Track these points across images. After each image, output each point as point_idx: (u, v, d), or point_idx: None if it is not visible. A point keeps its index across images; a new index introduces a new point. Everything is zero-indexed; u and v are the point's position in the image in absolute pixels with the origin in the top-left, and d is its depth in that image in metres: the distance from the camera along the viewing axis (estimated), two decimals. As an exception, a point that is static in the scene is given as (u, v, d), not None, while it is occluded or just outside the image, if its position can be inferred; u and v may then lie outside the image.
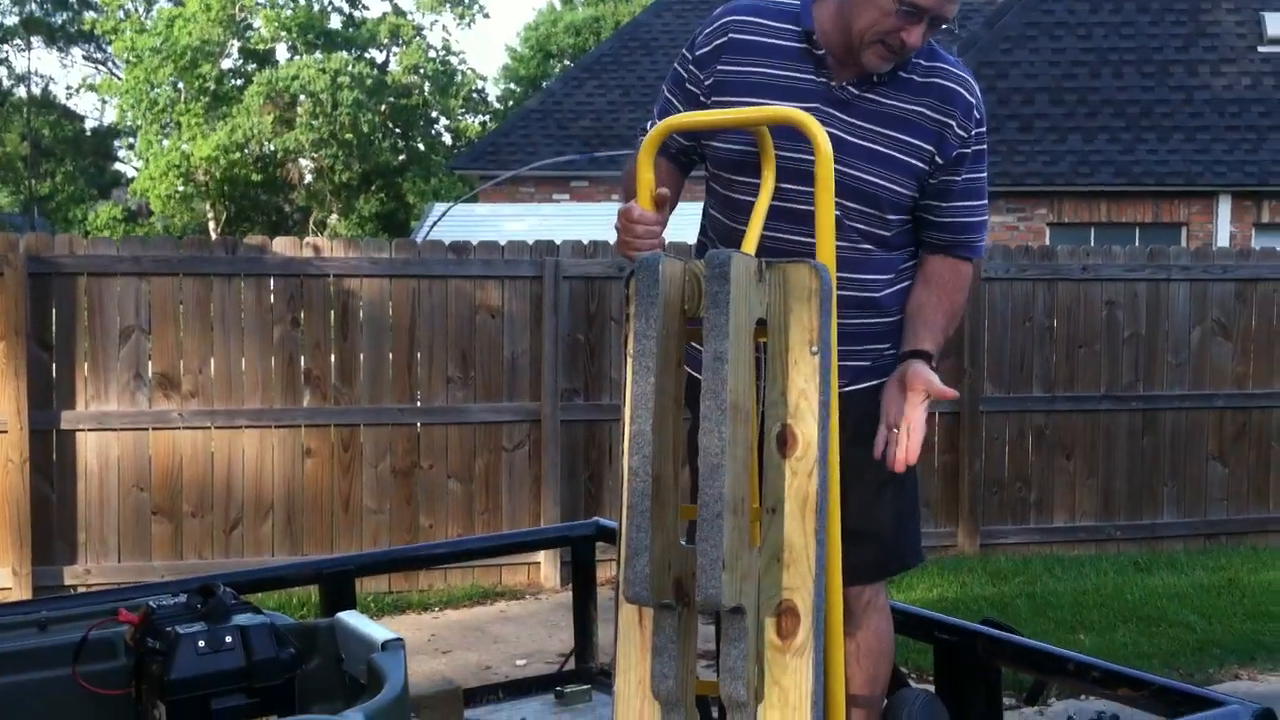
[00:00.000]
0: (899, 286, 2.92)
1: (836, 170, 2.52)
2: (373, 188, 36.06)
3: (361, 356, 7.75)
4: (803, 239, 2.71)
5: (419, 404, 7.82)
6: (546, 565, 7.97)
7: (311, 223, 35.39)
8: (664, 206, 2.72)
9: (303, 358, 7.64)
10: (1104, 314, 8.93)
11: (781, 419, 2.28)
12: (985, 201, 2.94)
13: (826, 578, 2.32)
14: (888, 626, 2.90)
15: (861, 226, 2.80)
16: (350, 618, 2.68)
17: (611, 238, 2.89)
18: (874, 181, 2.78)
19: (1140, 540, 9.02)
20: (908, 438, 2.70)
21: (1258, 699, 6.06)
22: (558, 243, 8.10)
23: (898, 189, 2.80)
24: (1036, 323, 8.80)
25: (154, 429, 7.39)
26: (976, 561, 8.60)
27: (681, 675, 2.26)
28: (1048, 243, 14.89)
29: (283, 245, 7.68)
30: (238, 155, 32.80)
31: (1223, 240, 15.39)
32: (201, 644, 2.39)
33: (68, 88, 70.22)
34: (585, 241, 8.18)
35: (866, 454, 2.78)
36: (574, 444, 8.07)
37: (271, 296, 7.58)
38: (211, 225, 33.61)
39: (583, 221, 11.99)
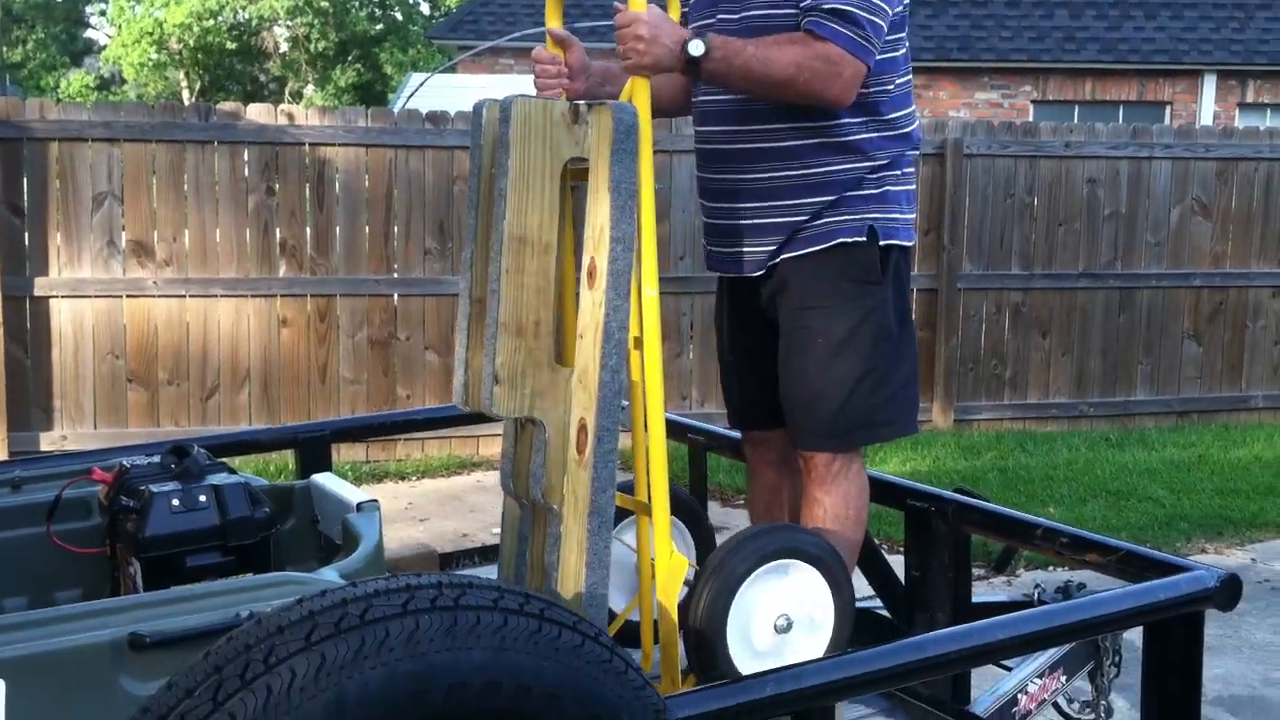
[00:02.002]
0: (819, 140, 2.80)
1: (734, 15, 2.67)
2: (349, 58, 35.50)
3: (338, 227, 7.69)
4: (731, 140, 2.85)
5: (396, 275, 7.78)
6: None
7: (287, 93, 34.89)
8: (568, 48, 2.84)
9: (278, 227, 7.57)
10: (1085, 192, 8.90)
11: (591, 253, 2.40)
12: None
13: (637, 404, 2.60)
14: (859, 494, 2.90)
15: None
16: (326, 479, 2.69)
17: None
18: (761, 13, 2.77)
19: (1113, 417, 9.09)
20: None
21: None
22: (536, 113, 7.99)
23: (782, 10, 2.75)
24: (1017, 199, 8.77)
25: (128, 296, 7.34)
26: (950, 437, 8.68)
27: (521, 474, 2.52)
28: (1031, 119, 14.79)
29: (257, 113, 7.56)
30: (211, 23, 32.20)
31: (1206, 119, 15.31)
32: (175, 502, 2.38)
33: (36, -49, 68.38)
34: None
35: (815, 323, 2.81)
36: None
37: (246, 165, 7.49)
38: (185, 94, 33.10)
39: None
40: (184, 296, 7.41)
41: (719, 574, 2.57)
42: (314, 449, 3.47)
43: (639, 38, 2.53)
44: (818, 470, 2.86)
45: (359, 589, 1.53)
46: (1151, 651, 2.29)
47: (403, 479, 7.60)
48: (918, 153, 2.97)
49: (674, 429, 3.71)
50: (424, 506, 6.94)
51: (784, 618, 2.60)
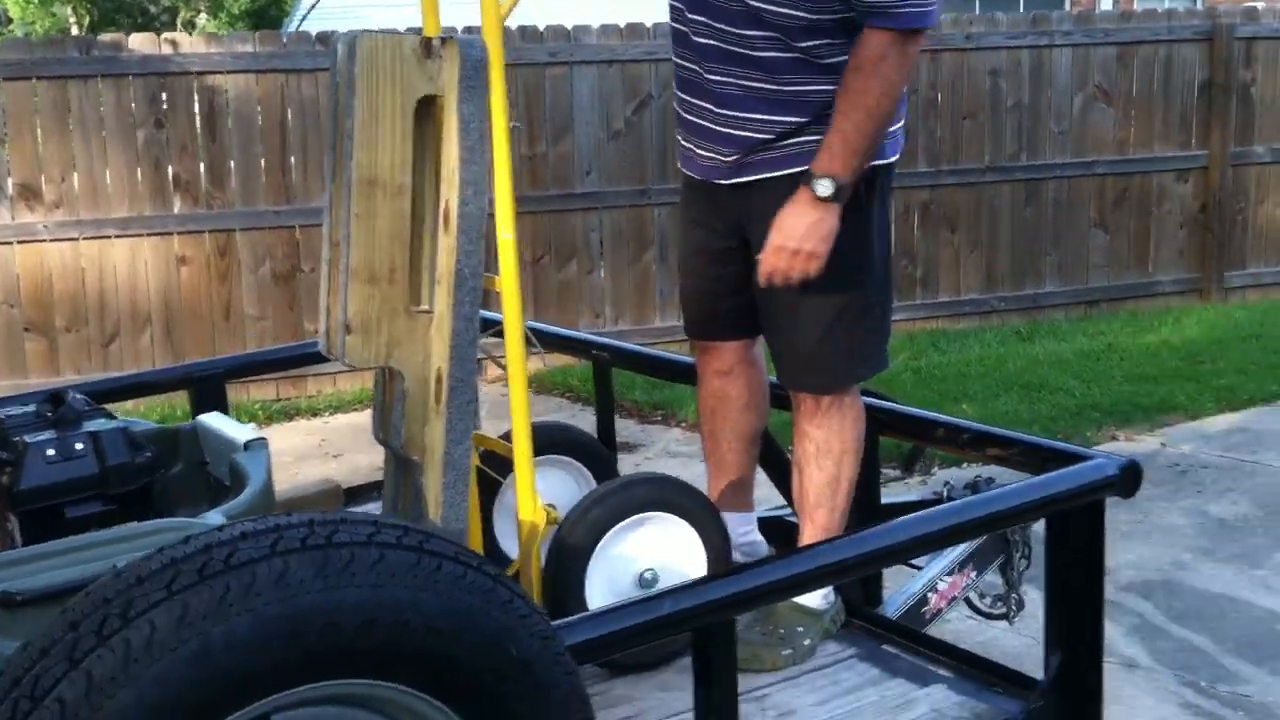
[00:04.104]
0: (795, 56, 2.57)
1: None
2: (243, -16, 34.62)
3: (232, 160, 7.48)
4: (708, 36, 2.64)
5: (295, 205, 7.60)
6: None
7: (179, 23, 33.98)
8: None
9: (170, 163, 7.35)
10: (988, 84, 8.89)
11: (445, 196, 2.34)
12: None
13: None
14: (851, 426, 2.77)
15: None
16: (212, 419, 2.60)
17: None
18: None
19: (1024, 310, 9.16)
20: (773, 255, 2.54)
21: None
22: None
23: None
24: (921, 95, 8.73)
25: (19, 243, 7.11)
26: (864, 339, 8.68)
27: (387, 425, 2.46)
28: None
29: (140, 42, 7.32)
30: (97, -45, 31.21)
31: (1106, 4, 15.34)
32: (50, 452, 2.30)
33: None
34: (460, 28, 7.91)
35: None
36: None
37: (133, 98, 7.25)
38: (75, 30, 32.14)
39: (461, 7, 11.60)
40: (77, 239, 7.19)
41: (578, 527, 2.53)
42: (209, 388, 3.37)
43: (809, 256, 2.49)
44: (805, 406, 2.76)
45: (224, 533, 1.47)
46: (1055, 543, 2.28)
47: (315, 415, 7.49)
48: None
49: (578, 346, 3.66)
50: (337, 442, 6.85)
51: (650, 571, 2.57)
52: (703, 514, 2.63)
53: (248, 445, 2.40)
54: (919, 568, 3.28)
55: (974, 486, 3.16)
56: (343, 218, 2.38)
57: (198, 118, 7.39)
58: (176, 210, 7.38)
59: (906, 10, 2.44)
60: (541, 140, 7.95)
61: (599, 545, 2.55)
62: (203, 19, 34.16)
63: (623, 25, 8.09)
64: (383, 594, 1.44)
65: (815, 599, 2.73)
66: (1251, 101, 9.43)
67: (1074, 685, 2.36)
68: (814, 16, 2.52)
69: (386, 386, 2.54)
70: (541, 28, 7.93)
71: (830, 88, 2.57)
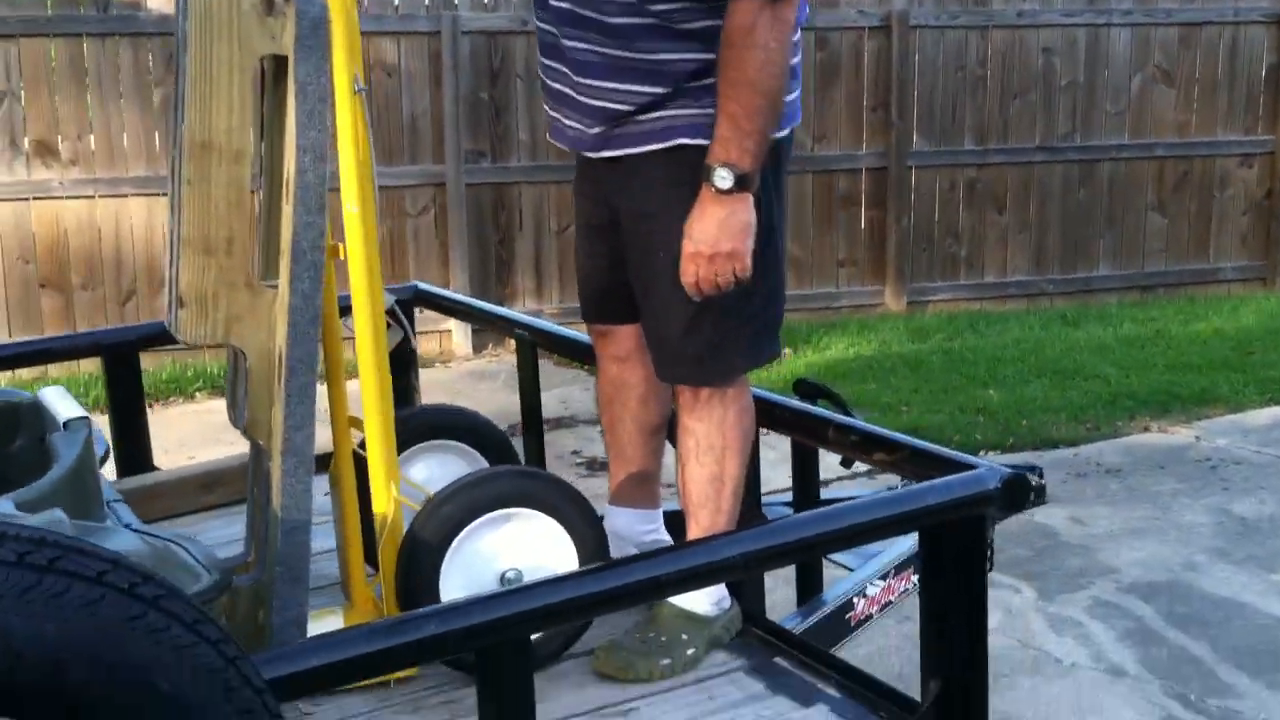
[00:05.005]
0: (648, 21, 2.35)
1: None
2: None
3: (253, 119, 7.38)
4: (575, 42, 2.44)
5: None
6: (458, 333, 7.78)
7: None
8: None
9: (190, 122, 7.26)
10: (1040, 62, 8.56)
11: (287, 163, 2.21)
12: None
13: (325, 327, 2.35)
14: (736, 421, 2.54)
15: None
16: (52, 393, 2.47)
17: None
18: None
19: (1074, 294, 8.84)
20: (690, 264, 2.33)
21: (1163, 451, 6.01)
22: (456, -5, 7.67)
23: None
24: (969, 72, 8.43)
25: (35, 199, 7.08)
26: (902, 320, 8.44)
27: (243, 405, 2.35)
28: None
29: (159, 2, 7.23)
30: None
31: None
32: None
33: None
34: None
35: (656, 235, 2.44)
36: (481, 208, 7.79)
37: (150, 57, 7.18)
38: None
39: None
40: (93, 197, 7.15)
41: (429, 523, 2.35)
42: (120, 357, 3.25)
43: (728, 257, 2.28)
44: (684, 398, 2.54)
45: None
46: (928, 559, 2.07)
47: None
48: (797, 36, 2.42)
49: (501, 324, 3.48)
50: (355, 409, 6.71)
51: (514, 571, 2.40)
52: (573, 511, 2.44)
53: (66, 425, 2.25)
54: (850, 569, 3.08)
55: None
56: (171, 189, 2.27)
57: (218, 78, 7.29)
58: (195, 171, 7.29)
59: None
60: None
61: (455, 542, 2.38)
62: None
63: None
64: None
65: (702, 604, 2.53)
66: (1323, 84, 9.00)
67: (953, 712, 2.15)
68: None
69: (236, 365, 2.41)
70: None
71: (691, 56, 2.35)
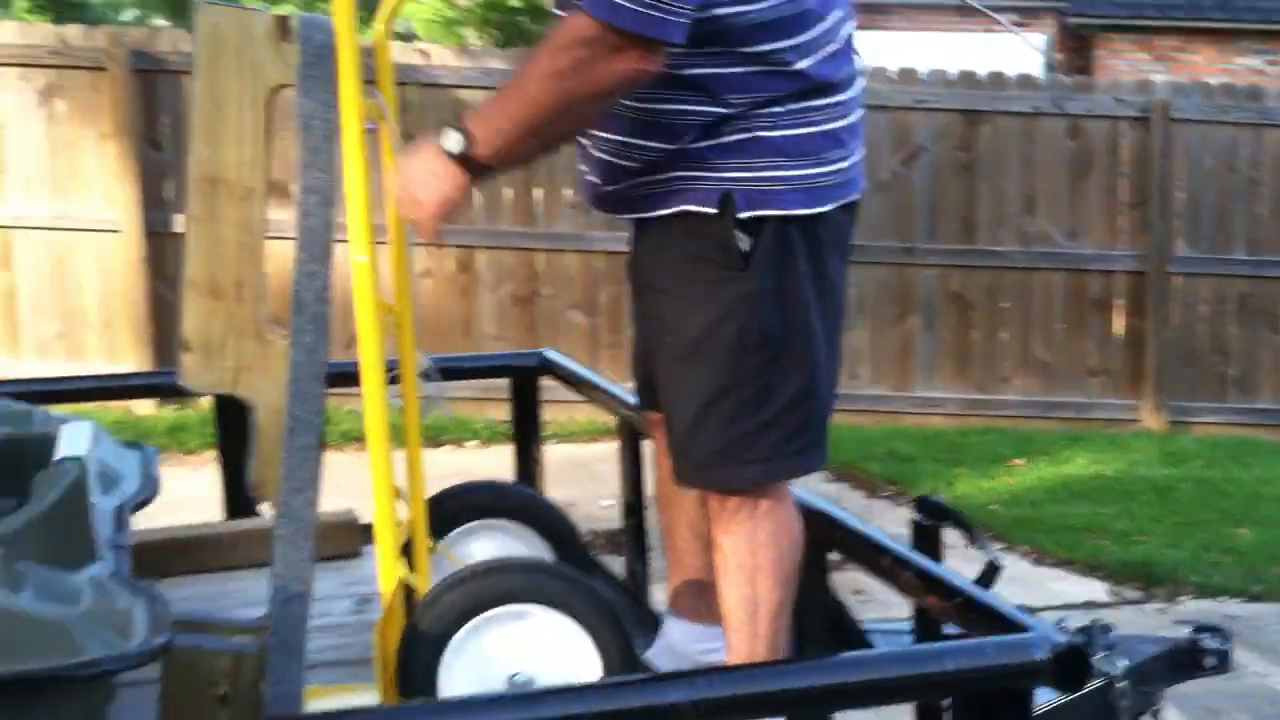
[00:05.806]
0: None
1: None
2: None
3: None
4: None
5: (538, 229, 7.42)
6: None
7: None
8: None
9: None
10: (1327, 167, 7.79)
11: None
12: None
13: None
14: (771, 538, 2.21)
15: None
16: (70, 428, 2.35)
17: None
18: None
19: (1367, 429, 7.95)
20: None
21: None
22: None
23: None
24: (1241, 174, 7.74)
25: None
26: (1158, 440, 7.74)
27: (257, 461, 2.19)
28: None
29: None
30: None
31: None
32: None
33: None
34: None
35: (665, 313, 2.19)
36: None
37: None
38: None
39: None
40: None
41: (429, 612, 2.10)
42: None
43: (412, 202, 2.07)
44: (712, 505, 2.22)
45: None
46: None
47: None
48: (840, 97, 2.15)
49: (605, 399, 3.18)
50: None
51: (523, 675, 2.11)
52: (593, 615, 2.14)
53: (56, 464, 2.13)
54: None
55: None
56: (187, 229, 2.15)
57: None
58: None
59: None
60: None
61: (457, 636, 2.12)
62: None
63: (894, 71, 7.50)
64: None
65: None
66: None
67: None
68: None
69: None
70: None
71: (693, 108, 2.07)
